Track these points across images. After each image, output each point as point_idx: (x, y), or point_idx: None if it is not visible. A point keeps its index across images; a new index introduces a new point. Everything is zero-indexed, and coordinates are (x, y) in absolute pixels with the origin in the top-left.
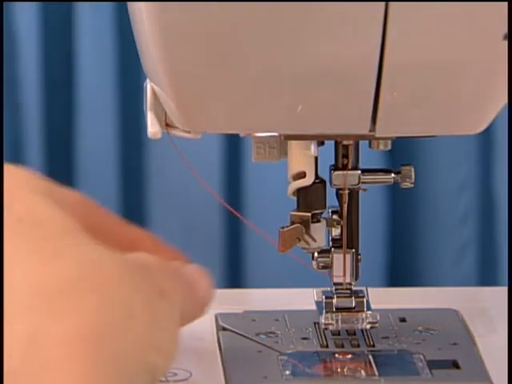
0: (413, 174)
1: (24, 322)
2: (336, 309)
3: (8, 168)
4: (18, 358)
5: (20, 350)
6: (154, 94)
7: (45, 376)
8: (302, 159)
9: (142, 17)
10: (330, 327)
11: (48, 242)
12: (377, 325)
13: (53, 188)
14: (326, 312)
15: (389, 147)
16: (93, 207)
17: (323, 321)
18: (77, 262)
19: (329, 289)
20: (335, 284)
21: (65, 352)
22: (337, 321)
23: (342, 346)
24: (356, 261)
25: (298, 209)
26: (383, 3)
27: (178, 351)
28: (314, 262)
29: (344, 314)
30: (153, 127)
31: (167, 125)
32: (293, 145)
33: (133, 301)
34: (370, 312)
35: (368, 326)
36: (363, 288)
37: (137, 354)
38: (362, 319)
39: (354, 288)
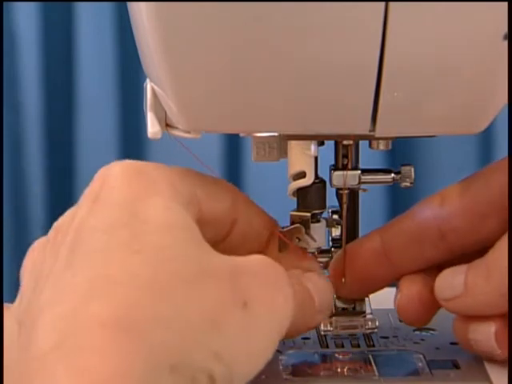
0: (413, 174)
1: (69, 301)
2: (336, 309)
3: (149, 165)
4: (57, 334)
5: (61, 328)
6: (154, 93)
7: (78, 355)
8: (301, 159)
9: (142, 17)
10: (329, 333)
11: (139, 238)
12: (376, 330)
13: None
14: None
15: (389, 147)
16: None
17: (322, 327)
18: (151, 261)
19: None
20: None
21: (98, 333)
22: (336, 327)
23: (342, 346)
24: None
25: (298, 209)
26: (383, 3)
27: (259, 365)
28: None
29: (343, 319)
30: (153, 127)
31: (167, 125)
32: (293, 145)
33: (193, 305)
34: (369, 316)
35: (367, 332)
36: None
37: (182, 353)
38: (361, 325)
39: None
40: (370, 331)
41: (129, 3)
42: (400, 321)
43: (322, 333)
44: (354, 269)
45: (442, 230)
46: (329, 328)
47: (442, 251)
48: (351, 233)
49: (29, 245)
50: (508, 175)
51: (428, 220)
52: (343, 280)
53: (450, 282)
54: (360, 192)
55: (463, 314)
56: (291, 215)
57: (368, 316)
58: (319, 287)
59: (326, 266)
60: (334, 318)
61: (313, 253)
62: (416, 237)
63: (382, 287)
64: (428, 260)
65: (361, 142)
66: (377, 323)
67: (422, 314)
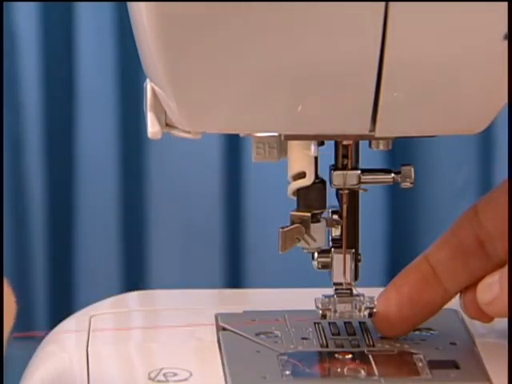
0: (413, 174)
1: None
2: (335, 310)
3: None
4: None
5: None
6: (154, 93)
7: None
8: (302, 159)
9: (142, 17)
10: (328, 313)
11: None
12: (375, 310)
13: None
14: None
15: (389, 147)
16: None
17: (320, 305)
18: None
19: (330, 294)
20: (335, 284)
21: None
22: (335, 306)
23: (342, 346)
24: (356, 261)
25: (298, 209)
26: (383, 3)
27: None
28: (314, 262)
29: (342, 299)
30: (153, 127)
31: (167, 125)
32: (293, 145)
33: None
34: (367, 297)
35: (366, 313)
36: (362, 293)
37: None
38: (361, 302)
39: (353, 291)
40: (369, 312)
41: (129, 3)
42: None
43: (320, 312)
44: (405, 295)
45: (480, 238)
46: (327, 307)
47: (483, 260)
48: (351, 233)
49: (29, 244)
50: (508, 178)
51: (466, 231)
52: None
53: (487, 284)
54: (360, 192)
55: (503, 316)
56: (291, 215)
57: (366, 297)
58: None
59: (326, 266)
60: (332, 297)
61: (313, 253)
62: (458, 250)
63: (434, 312)
64: (472, 272)
65: (361, 142)
66: (375, 302)
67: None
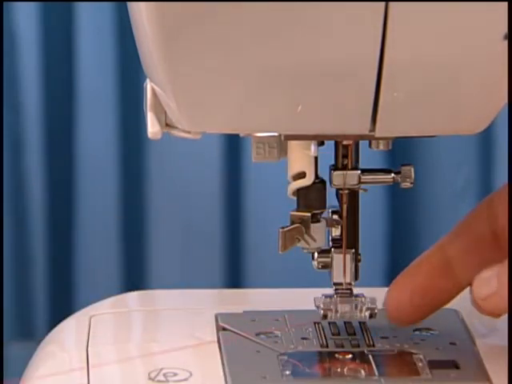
0: (413, 174)
1: None
2: (336, 311)
3: None
4: None
5: None
6: (154, 93)
7: None
8: (302, 159)
9: (142, 17)
10: (329, 313)
11: None
12: (376, 311)
13: None
14: (326, 297)
15: (389, 147)
16: None
17: (321, 305)
18: None
19: (330, 294)
20: (335, 284)
21: None
22: (336, 307)
23: (342, 346)
24: (356, 261)
25: (298, 209)
26: (383, 3)
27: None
28: (314, 262)
29: (343, 300)
30: (153, 127)
31: (167, 125)
32: (293, 145)
33: None
34: (368, 298)
35: (367, 314)
36: (362, 293)
37: None
38: (362, 303)
39: (354, 291)
40: (370, 313)
41: (129, 3)
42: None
43: (321, 312)
44: (418, 283)
45: (495, 231)
46: (328, 307)
47: (498, 253)
48: (351, 233)
49: (29, 244)
50: (508, 178)
51: (481, 223)
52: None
53: (484, 278)
54: (360, 192)
55: (501, 311)
56: (291, 215)
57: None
58: None
59: (326, 266)
60: (333, 298)
61: (313, 253)
62: (473, 242)
63: (445, 302)
64: (486, 265)
65: (361, 142)
66: (377, 304)
67: (412, 316)
